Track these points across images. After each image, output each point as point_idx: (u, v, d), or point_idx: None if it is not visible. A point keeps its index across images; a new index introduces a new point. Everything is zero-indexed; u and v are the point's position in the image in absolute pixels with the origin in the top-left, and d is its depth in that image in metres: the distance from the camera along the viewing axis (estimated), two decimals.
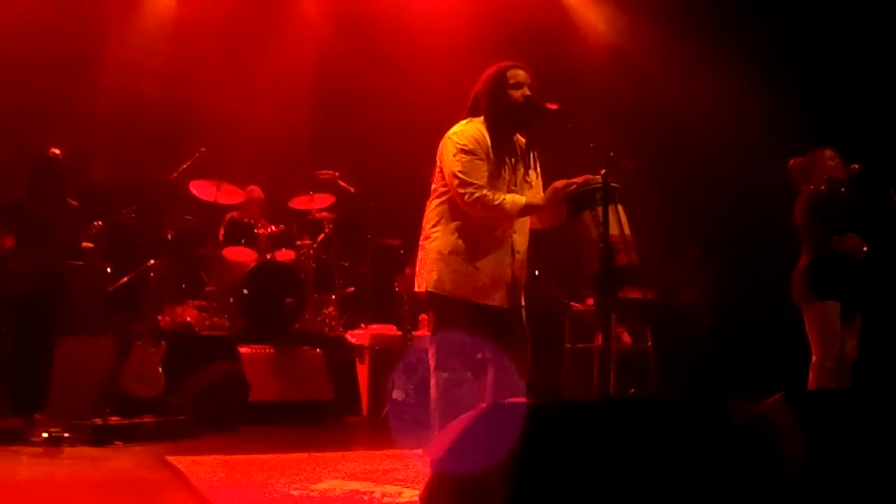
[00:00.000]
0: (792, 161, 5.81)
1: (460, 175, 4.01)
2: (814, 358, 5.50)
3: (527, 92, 4.12)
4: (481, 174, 4.02)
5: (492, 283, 4.09)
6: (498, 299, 4.11)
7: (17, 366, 6.08)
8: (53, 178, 6.17)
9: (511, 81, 4.14)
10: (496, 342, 4.14)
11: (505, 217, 4.04)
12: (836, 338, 5.47)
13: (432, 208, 4.18)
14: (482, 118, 4.15)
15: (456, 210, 4.10)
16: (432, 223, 4.16)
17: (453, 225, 4.10)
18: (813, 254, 5.61)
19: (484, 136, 4.09)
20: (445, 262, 4.07)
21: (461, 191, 4.00)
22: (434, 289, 4.08)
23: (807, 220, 5.61)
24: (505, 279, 4.12)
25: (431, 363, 4.15)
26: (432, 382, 4.14)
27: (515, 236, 4.17)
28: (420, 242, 4.22)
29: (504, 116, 4.13)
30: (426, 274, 4.12)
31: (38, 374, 6.09)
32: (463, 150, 4.05)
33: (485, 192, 3.98)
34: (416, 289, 4.21)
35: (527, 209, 4.06)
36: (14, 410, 5.98)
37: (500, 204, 3.98)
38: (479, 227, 4.08)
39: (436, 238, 4.12)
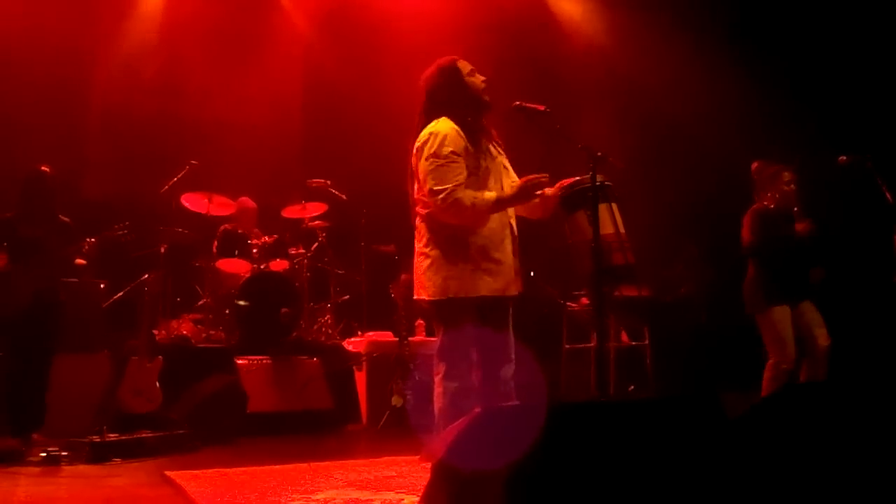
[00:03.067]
0: (756, 164, 5.98)
1: (431, 182, 3.97)
2: (770, 360, 5.70)
3: (482, 77, 4.17)
4: (455, 175, 3.95)
5: (500, 273, 4.06)
6: (513, 288, 4.11)
7: (14, 386, 6.04)
8: (44, 196, 6.14)
9: (465, 71, 4.18)
10: (497, 333, 4.14)
11: (477, 218, 3.98)
12: (789, 341, 5.73)
13: (423, 217, 4.13)
14: (448, 116, 4.09)
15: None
16: (426, 231, 4.11)
17: (448, 228, 4.05)
18: (756, 265, 5.81)
19: (458, 132, 4.04)
20: (449, 265, 4.02)
21: (432, 199, 3.96)
22: (440, 295, 4.02)
23: (751, 234, 5.85)
24: (513, 265, 4.11)
25: (439, 372, 4.09)
26: (438, 391, 4.09)
27: (512, 221, 4.17)
28: (416, 250, 4.16)
29: (472, 105, 4.13)
30: (429, 282, 4.06)
31: (35, 394, 6.07)
32: (434, 156, 3.99)
33: (458, 195, 3.92)
34: (417, 297, 4.15)
35: (498, 204, 4.00)
36: (11, 431, 5.95)
37: (472, 205, 3.93)
38: (474, 227, 4.05)
39: (434, 244, 4.07)
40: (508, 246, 4.12)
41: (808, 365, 5.76)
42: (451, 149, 3.99)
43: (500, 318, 4.16)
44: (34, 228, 6.05)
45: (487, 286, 4.03)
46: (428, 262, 4.08)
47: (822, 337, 5.74)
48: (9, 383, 6.01)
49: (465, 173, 3.99)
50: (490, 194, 4.00)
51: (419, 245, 4.14)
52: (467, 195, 3.94)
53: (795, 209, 5.79)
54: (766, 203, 5.84)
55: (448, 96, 4.13)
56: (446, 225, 4.04)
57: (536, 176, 3.99)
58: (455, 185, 3.93)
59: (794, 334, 5.72)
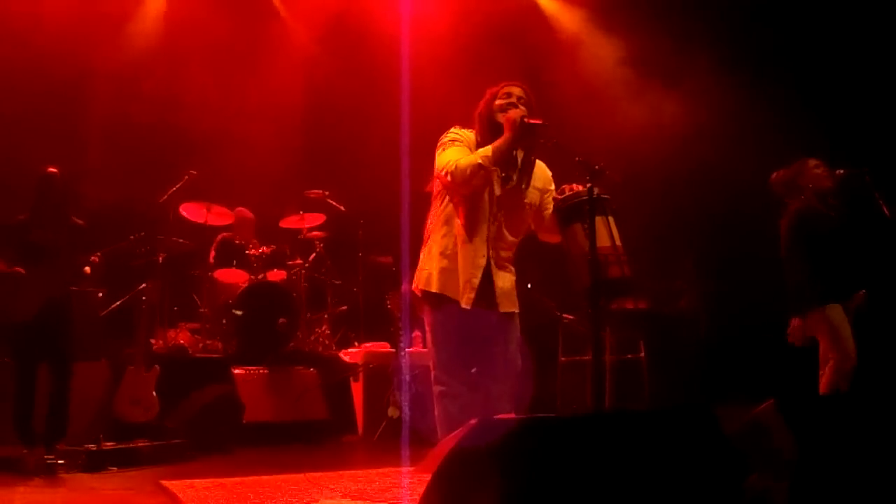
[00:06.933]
0: (774, 175, 5.77)
1: (439, 167, 4.21)
2: (832, 361, 5.43)
3: (517, 111, 4.19)
4: (455, 153, 4.18)
5: (464, 283, 4.19)
6: (465, 300, 4.20)
7: (20, 394, 5.89)
8: (57, 199, 5.95)
9: (497, 99, 4.28)
10: (482, 345, 4.24)
11: (484, 170, 4.10)
12: (848, 338, 5.41)
13: (431, 213, 4.38)
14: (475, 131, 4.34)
15: (446, 213, 4.27)
16: (430, 227, 4.36)
17: (443, 228, 4.28)
18: (807, 262, 5.61)
19: (473, 140, 4.26)
20: (436, 261, 4.24)
21: (441, 173, 4.17)
22: (425, 286, 4.26)
23: (793, 242, 5.60)
24: (473, 282, 4.20)
25: (432, 376, 4.29)
26: (434, 395, 4.27)
27: (490, 240, 4.25)
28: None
29: (489, 134, 4.23)
30: (420, 273, 4.32)
31: (60, 404, 5.89)
32: (445, 144, 4.27)
33: (459, 163, 4.11)
34: (413, 288, 4.40)
35: (496, 151, 4.11)
36: (23, 440, 5.84)
37: (471, 163, 4.09)
38: (458, 229, 4.23)
39: (431, 240, 4.32)
40: (478, 262, 4.21)
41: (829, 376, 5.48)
42: (451, 138, 4.26)
43: (485, 329, 4.22)
44: (46, 232, 5.88)
45: (455, 292, 4.20)
46: (423, 256, 4.36)
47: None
48: (16, 391, 5.90)
49: (466, 151, 4.19)
50: (486, 148, 4.15)
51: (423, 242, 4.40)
52: (466, 160, 4.13)
53: (830, 200, 5.53)
54: (798, 206, 5.57)
55: (476, 117, 4.34)
56: (442, 228, 4.27)
57: (521, 113, 4.13)
58: (455, 159, 4.14)
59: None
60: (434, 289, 4.22)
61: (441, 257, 4.23)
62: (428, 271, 4.26)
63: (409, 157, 7.32)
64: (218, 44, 8.92)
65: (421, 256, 4.37)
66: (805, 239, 5.53)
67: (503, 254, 4.29)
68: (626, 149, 7.98)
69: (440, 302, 4.22)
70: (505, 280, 4.29)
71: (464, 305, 4.18)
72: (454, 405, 4.13)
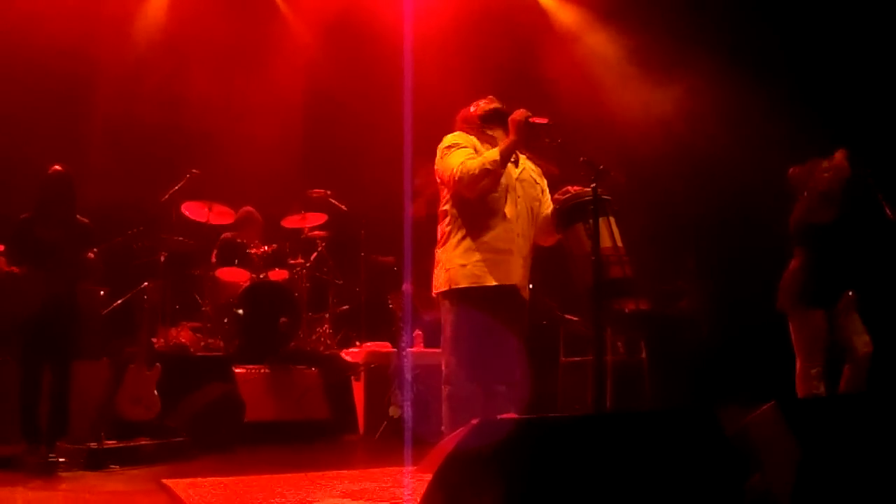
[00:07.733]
0: (791, 170, 5.86)
1: (447, 166, 4.24)
2: (798, 365, 5.54)
3: (516, 111, 4.26)
4: (459, 157, 4.22)
5: (501, 263, 4.23)
6: (514, 276, 4.26)
7: (25, 392, 5.87)
8: (63, 197, 5.88)
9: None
10: (495, 344, 4.25)
11: (492, 174, 4.16)
12: (820, 345, 5.50)
13: (442, 218, 4.40)
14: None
15: (460, 213, 4.30)
16: (443, 231, 4.38)
17: (460, 224, 4.30)
18: (802, 260, 5.65)
19: (469, 139, 4.34)
20: (455, 259, 4.26)
21: (450, 177, 4.20)
22: (454, 284, 4.24)
23: (798, 227, 5.66)
24: (511, 255, 4.26)
25: (442, 376, 4.31)
26: (442, 395, 4.28)
27: (517, 215, 4.31)
28: (436, 251, 4.41)
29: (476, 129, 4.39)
30: (440, 276, 4.31)
31: (60, 402, 5.85)
32: (446, 149, 4.31)
33: (466, 166, 4.16)
34: (434, 294, 4.40)
35: (503, 154, 4.17)
36: (27, 437, 5.84)
37: (479, 165, 4.14)
38: (479, 221, 4.26)
39: (447, 242, 4.33)
40: (509, 238, 4.27)
41: (850, 372, 5.52)
42: (453, 142, 4.31)
43: (500, 326, 4.23)
44: (51, 230, 5.81)
45: (485, 275, 4.22)
46: (439, 259, 4.37)
47: (861, 344, 5.51)
48: (21, 390, 5.86)
49: (471, 153, 4.24)
50: (492, 151, 4.20)
51: (437, 247, 4.41)
52: (474, 162, 4.17)
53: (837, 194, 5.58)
54: (798, 206, 5.70)
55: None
56: (460, 226, 4.29)
57: (525, 113, 4.17)
58: (461, 162, 4.18)
59: (830, 340, 5.51)
60: (465, 284, 4.22)
61: (471, 252, 4.23)
62: (454, 270, 4.25)
63: (411, 156, 7.32)
64: (220, 43, 8.94)
65: (440, 258, 4.36)
66: (798, 239, 5.61)
67: (527, 233, 4.35)
68: (627, 147, 7.99)
69: (466, 293, 4.22)
70: (527, 257, 4.36)
71: (508, 282, 4.22)
72: (461, 405, 4.13)
